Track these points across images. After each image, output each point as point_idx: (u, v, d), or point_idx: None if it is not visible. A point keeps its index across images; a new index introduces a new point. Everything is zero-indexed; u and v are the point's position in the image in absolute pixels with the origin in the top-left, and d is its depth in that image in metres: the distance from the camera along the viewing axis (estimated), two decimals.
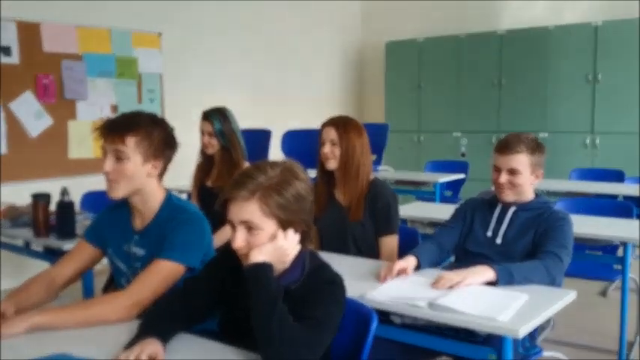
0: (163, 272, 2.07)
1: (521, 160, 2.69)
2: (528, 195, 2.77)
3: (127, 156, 2.13)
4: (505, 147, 2.72)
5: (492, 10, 8.01)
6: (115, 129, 2.13)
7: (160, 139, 2.19)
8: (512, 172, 2.70)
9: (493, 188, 2.82)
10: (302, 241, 1.85)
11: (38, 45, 5.41)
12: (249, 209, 1.74)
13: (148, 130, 2.16)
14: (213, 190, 3.79)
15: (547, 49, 7.21)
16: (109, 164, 2.13)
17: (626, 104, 6.75)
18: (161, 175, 2.25)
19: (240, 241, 1.76)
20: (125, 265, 2.29)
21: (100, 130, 2.15)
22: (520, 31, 7.44)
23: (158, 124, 2.21)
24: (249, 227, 1.76)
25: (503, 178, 2.71)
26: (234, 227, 1.79)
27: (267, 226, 1.76)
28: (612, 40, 6.80)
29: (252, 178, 1.75)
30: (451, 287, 2.27)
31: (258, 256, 1.74)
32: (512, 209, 2.75)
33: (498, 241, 2.73)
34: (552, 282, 2.46)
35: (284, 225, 1.77)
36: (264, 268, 1.73)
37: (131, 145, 2.13)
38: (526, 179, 2.71)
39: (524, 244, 2.67)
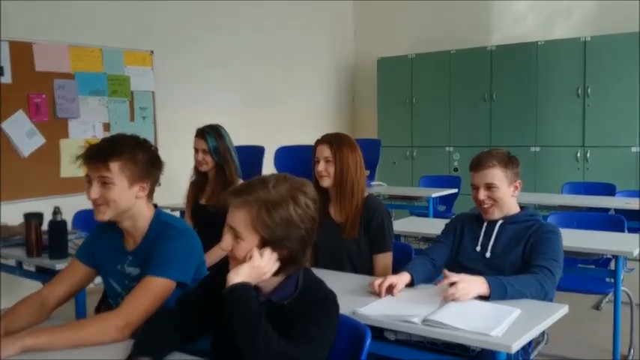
0: (153, 289, 2.05)
1: (496, 174, 2.72)
2: (512, 208, 2.80)
3: (112, 181, 2.10)
4: (478, 164, 2.77)
5: (482, 26, 8.07)
6: (98, 156, 2.10)
7: (145, 161, 2.17)
8: (489, 186, 2.73)
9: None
10: (292, 263, 1.81)
11: (30, 64, 5.41)
12: (237, 216, 1.76)
13: (131, 153, 2.13)
14: (207, 207, 3.77)
15: (537, 64, 7.25)
16: (95, 191, 2.11)
17: (616, 117, 6.80)
18: (150, 195, 2.23)
19: (226, 244, 1.79)
20: (120, 285, 2.27)
21: (82, 159, 2.12)
22: (510, 47, 7.49)
23: (141, 146, 2.19)
24: (234, 234, 1.77)
25: (482, 194, 2.74)
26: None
27: (249, 239, 1.76)
28: (601, 54, 6.86)
29: (253, 188, 1.76)
30: (454, 298, 2.29)
31: (235, 278, 1.73)
32: (499, 223, 2.78)
33: (487, 255, 2.75)
34: (545, 296, 2.47)
35: (264, 243, 1.76)
36: (243, 288, 1.71)
37: (115, 171, 2.10)
38: (504, 192, 2.74)
39: (514, 257, 2.69)
